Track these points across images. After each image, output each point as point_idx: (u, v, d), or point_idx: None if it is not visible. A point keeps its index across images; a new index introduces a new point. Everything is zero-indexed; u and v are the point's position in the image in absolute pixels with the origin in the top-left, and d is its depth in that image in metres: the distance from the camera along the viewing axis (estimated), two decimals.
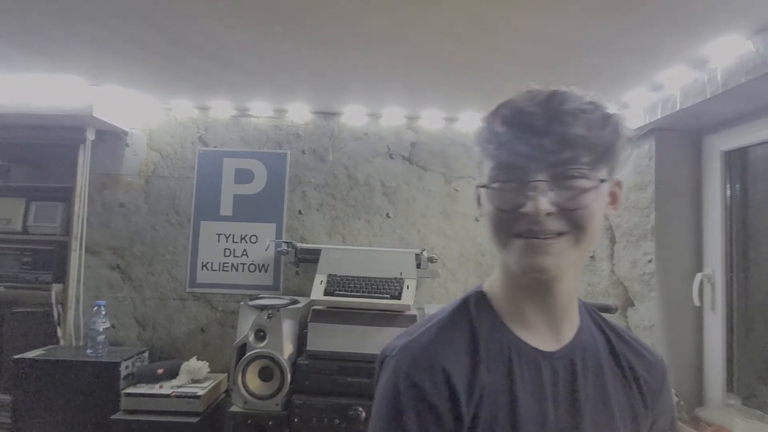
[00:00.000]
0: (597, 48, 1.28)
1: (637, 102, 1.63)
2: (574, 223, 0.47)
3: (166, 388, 1.66)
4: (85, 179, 1.99)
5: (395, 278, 1.62)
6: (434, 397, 0.47)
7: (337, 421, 1.43)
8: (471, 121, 1.99)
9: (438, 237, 1.99)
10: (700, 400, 1.61)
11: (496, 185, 0.49)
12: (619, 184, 0.53)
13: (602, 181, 0.48)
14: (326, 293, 1.55)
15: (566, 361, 0.52)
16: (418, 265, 1.74)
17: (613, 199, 0.52)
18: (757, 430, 1.30)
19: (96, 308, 1.78)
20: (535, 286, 0.52)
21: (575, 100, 0.47)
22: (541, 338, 0.52)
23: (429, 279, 1.91)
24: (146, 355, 1.87)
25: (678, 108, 1.43)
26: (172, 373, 1.75)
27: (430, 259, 1.82)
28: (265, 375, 1.52)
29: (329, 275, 1.64)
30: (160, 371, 1.73)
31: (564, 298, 0.53)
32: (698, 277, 1.59)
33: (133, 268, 1.99)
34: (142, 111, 2.02)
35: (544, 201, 0.45)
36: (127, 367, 1.70)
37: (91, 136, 1.97)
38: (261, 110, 2.00)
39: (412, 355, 0.50)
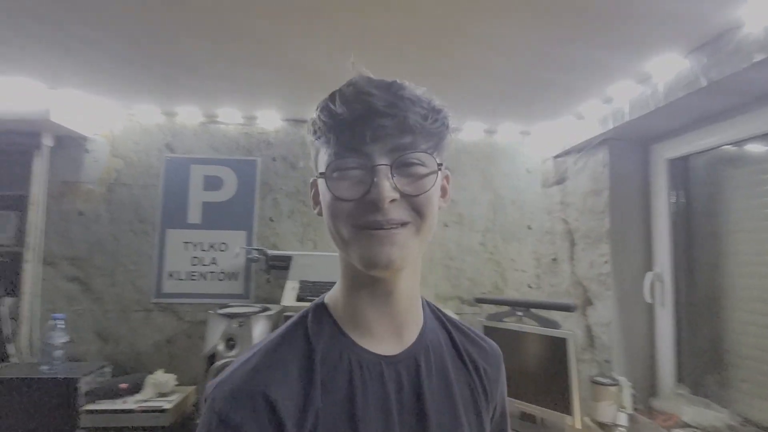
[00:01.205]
0: (551, 60, 1.37)
1: (591, 113, 1.75)
2: (417, 211, 0.45)
3: (129, 403, 1.60)
4: (41, 187, 1.89)
5: None
6: None
7: None
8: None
9: None
10: (654, 391, 1.72)
11: (335, 174, 0.45)
12: (448, 177, 0.53)
13: (439, 168, 0.47)
14: (298, 299, 1.55)
15: (410, 362, 0.50)
16: None
17: (444, 192, 0.52)
18: (703, 415, 1.40)
19: (52, 322, 1.69)
20: (376, 286, 0.49)
21: (411, 89, 0.48)
22: (384, 343, 0.50)
23: None
24: (108, 369, 1.79)
25: (627, 119, 1.55)
26: (137, 388, 1.68)
27: None
28: None
29: (301, 281, 1.64)
30: (124, 386, 1.66)
31: (406, 296, 0.51)
32: (649, 276, 1.71)
33: (94, 280, 1.91)
34: (105, 116, 1.95)
35: (388, 186, 0.43)
36: (87, 383, 1.62)
37: (48, 141, 1.89)
38: (230, 117, 1.99)
39: (228, 390, 0.43)
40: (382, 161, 0.44)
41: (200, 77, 1.58)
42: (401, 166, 0.45)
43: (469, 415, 0.52)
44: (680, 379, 1.66)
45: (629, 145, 1.79)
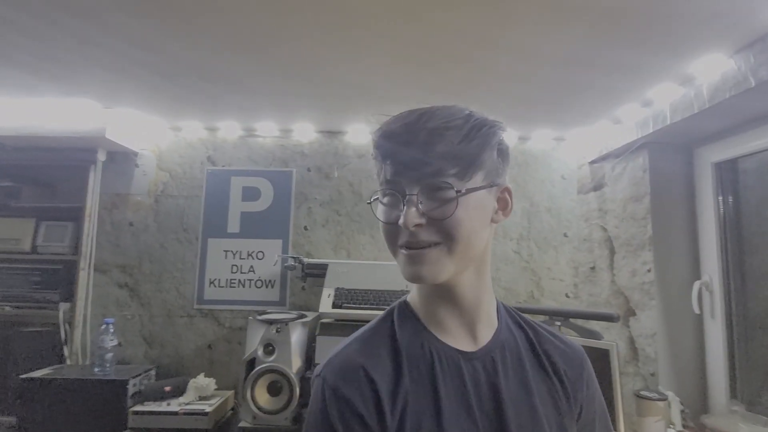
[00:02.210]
0: (588, 65, 1.35)
1: (629, 117, 1.71)
2: (445, 233, 0.49)
3: (173, 405, 1.66)
4: (95, 199, 2.03)
5: (401, 290, 1.66)
6: (361, 407, 0.48)
7: None
8: None
9: None
10: (705, 408, 1.63)
11: (379, 201, 0.53)
12: (506, 190, 0.55)
13: (471, 190, 0.50)
14: (334, 306, 1.57)
15: (486, 359, 0.54)
16: None
17: (503, 205, 0.55)
18: None
19: (104, 326, 1.79)
20: (442, 293, 0.55)
21: (442, 117, 0.50)
22: (460, 340, 0.55)
23: None
24: (153, 372, 1.87)
25: (668, 122, 1.50)
26: (180, 391, 1.75)
27: None
28: (273, 389, 1.53)
29: (337, 288, 1.67)
30: (168, 389, 1.74)
31: (474, 303, 0.55)
32: (697, 285, 1.62)
33: (141, 286, 2.01)
34: (152, 132, 2.08)
35: (413, 213, 0.48)
36: (134, 385, 1.71)
37: (102, 157, 2.03)
38: (267, 130, 2.07)
39: (336, 369, 0.51)
40: (411, 190, 0.49)
41: (239, 93, 1.66)
42: (429, 192, 0.49)
43: (549, 417, 0.53)
44: (734, 395, 1.56)
45: (671, 149, 1.73)
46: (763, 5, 1.02)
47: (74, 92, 1.68)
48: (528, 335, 0.59)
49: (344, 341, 0.56)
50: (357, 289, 1.66)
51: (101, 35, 1.25)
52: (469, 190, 0.50)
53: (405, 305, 0.58)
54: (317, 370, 0.53)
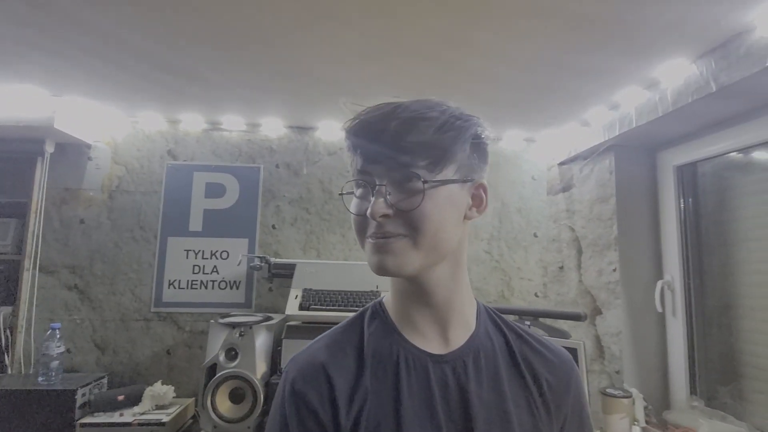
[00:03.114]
0: (556, 68, 1.36)
1: (597, 120, 1.74)
2: (411, 225, 0.48)
3: (127, 415, 1.56)
4: (42, 194, 1.88)
5: (371, 291, 1.61)
6: (316, 403, 0.48)
7: None
8: None
9: None
10: (667, 404, 1.67)
11: (350, 192, 0.53)
12: (481, 186, 0.54)
13: (440, 182, 0.49)
14: (301, 308, 1.51)
15: (457, 363, 0.52)
16: None
17: (477, 201, 0.54)
18: (720, 429, 1.35)
19: (50, 332, 1.66)
20: (414, 291, 0.54)
21: (416, 109, 0.49)
22: (431, 342, 0.53)
23: None
24: (105, 381, 1.74)
25: (634, 125, 1.53)
26: (134, 400, 1.64)
27: None
28: (236, 397, 1.45)
29: (304, 289, 1.61)
30: (121, 398, 1.62)
31: (446, 303, 0.54)
32: (659, 284, 1.67)
33: (93, 288, 1.87)
34: (107, 123, 1.95)
35: (380, 203, 0.48)
36: (83, 395, 1.58)
37: (50, 148, 1.88)
38: (233, 124, 1.98)
39: (298, 365, 0.52)
40: (381, 181, 0.49)
41: (203, 84, 1.58)
42: (396, 184, 0.49)
43: (523, 426, 0.51)
44: (693, 390, 1.62)
45: (636, 152, 1.77)
46: (725, 13, 1.05)
47: (18, 78, 1.54)
48: (508, 341, 0.56)
49: (315, 339, 0.56)
50: (326, 290, 1.60)
51: (45, 18, 1.14)
52: (438, 183, 0.49)
53: (379, 306, 0.58)
54: (287, 364, 0.55)
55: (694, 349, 1.65)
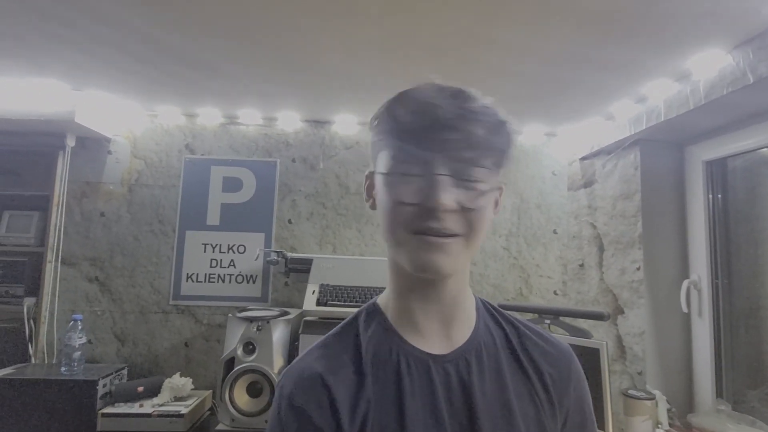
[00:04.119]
0: (580, 61, 1.32)
1: (622, 113, 1.68)
2: (470, 224, 0.46)
3: (146, 407, 1.58)
4: (63, 187, 1.91)
5: None
6: (317, 416, 0.45)
7: None
8: None
9: None
10: (691, 407, 1.63)
11: (397, 177, 0.46)
12: (501, 190, 0.53)
13: (497, 184, 0.49)
14: (318, 303, 1.51)
15: (460, 362, 0.50)
16: None
17: (495, 204, 0.52)
18: None
19: (72, 323, 1.69)
20: (423, 288, 0.50)
21: (479, 100, 0.47)
22: (434, 342, 0.51)
23: None
24: (125, 372, 1.77)
25: (662, 119, 1.47)
26: (154, 391, 1.66)
27: None
28: (253, 390, 1.46)
29: (321, 285, 1.60)
30: (140, 389, 1.64)
31: (453, 300, 0.52)
32: (685, 283, 1.62)
33: (113, 281, 1.90)
34: (126, 117, 1.96)
35: (449, 197, 0.44)
36: (104, 386, 1.61)
37: (71, 142, 1.90)
38: (250, 118, 1.98)
39: (293, 378, 0.48)
40: (445, 172, 0.45)
41: (220, 78, 1.57)
42: (462, 178, 0.46)
43: (527, 422, 0.49)
44: (720, 393, 1.57)
45: (662, 147, 1.71)
46: (763, 2, 1.00)
47: (39, 72, 1.56)
48: (507, 335, 0.55)
49: (308, 348, 0.53)
50: (342, 286, 1.59)
51: (66, 11, 1.14)
52: (496, 185, 0.49)
53: (374, 307, 0.54)
54: (280, 378, 0.51)
55: (721, 350, 1.59)
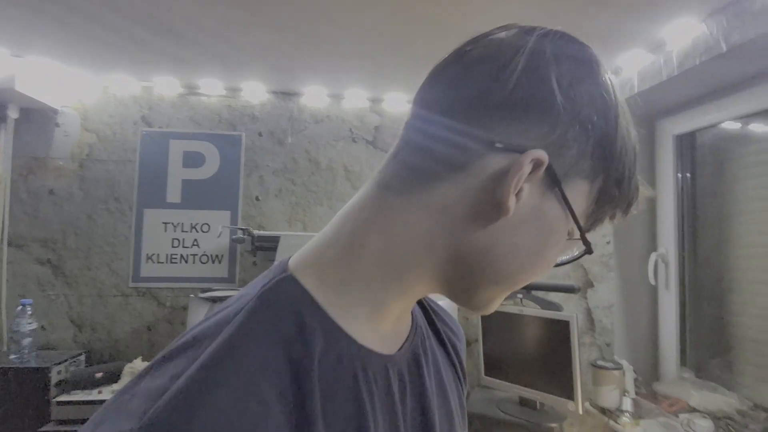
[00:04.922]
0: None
1: None
2: None
3: (106, 393, 1.50)
4: (7, 163, 1.75)
5: None
6: None
7: None
8: None
9: None
10: (657, 375, 1.67)
11: (597, 225, 0.36)
12: None
13: None
14: None
15: (410, 358, 0.37)
16: None
17: None
18: (711, 400, 1.35)
19: (20, 308, 1.57)
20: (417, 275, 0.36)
21: None
22: (385, 335, 0.35)
23: None
24: (82, 358, 1.68)
25: (636, 91, 1.46)
26: (114, 377, 1.58)
27: None
28: None
29: None
30: (99, 375, 1.56)
31: None
32: (653, 256, 1.64)
33: (67, 263, 1.78)
34: (75, 87, 1.80)
35: None
36: (59, 372, 1.52)
37: (13, 114, 1.74)
38: (212, 88, 1.85)
39: None
40: None
41: (179, 43, 1.45)
42: None
43: (455, 400, 0.42)
44: (684, 362, 1.61)
45: (634, 121, 1.70)
46: None
47: None
48: (426, 312, 0.45)
49: (177, 390, 0.25)
50: None
51: None
52: None
53: (302, 296, 0.32)
54: None
55: (686, 321, 1.64)
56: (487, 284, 0.34)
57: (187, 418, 0.24)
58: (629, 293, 1.69)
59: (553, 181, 0.31)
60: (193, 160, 1.84)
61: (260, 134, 1.89)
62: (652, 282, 1.63)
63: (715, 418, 1.29)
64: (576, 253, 0.36)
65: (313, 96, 1.90)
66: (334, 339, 0.31)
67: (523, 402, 1.55)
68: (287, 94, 1.91)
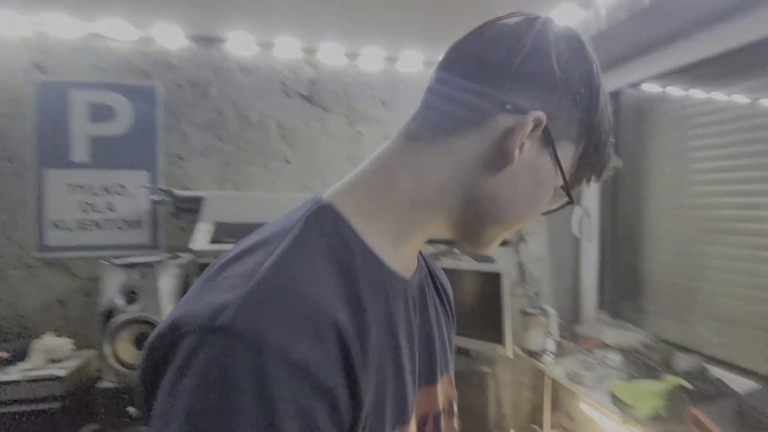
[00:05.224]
0: None
1: None
2: None
3: (13, 373, 1.35)
4: None
5: None
6: (328, 377, 0.30)
7: None
8: (374, 60, 1.86)
9: None
10: (578, 319, 1.82)
11: (577, 185, 0.44)
12: None
13: None
14: (213, 241, 1.35)
15: (418, 286, 0.44)
16: None
17: None
18: (621, 336, 1.49)
19: None
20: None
21: None
22: (403, 265, 0.41)
23: None
24: None
25: None
26: (21, 356, 1.43)
27: None
28: (142, 342, 1.31)
29: (217, 223, 1.44)
30: (3, 355, 1.40)
31: None
32: (578, 211, 1.74)
33: None
34: None
35: None
36: None
37: None
38: (119, 31, 1.62)
39: (280, 318, 0.30)
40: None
41: None
42: None
43: (446, 332, 0.50)
44: (602, 306, 1.76)
45: None
46: None
47: None
48: (423, 260, 0.51)
49: (270, 266, 0.32)
50: (244, 223, 1.44)
51: None
52: None
53: (334, 215, 0.38)
54: (204, 317, 0.29)
55: (604, 269, 1.78)
56: (491, 224, 0.41)
57: (285, 278, 0.32)
58: (556, 246, 1.79)
59: (547, 140, 0.39)
60: (100, 113, 1.62)
61: (179, 85, 1.70)
62: (577, 235, 1.74)
63: (625, 351, 1.43)
64: (561, 202, 0.43)
65: (239, 42, 1.73)
66: (367, 258, 0.38)
67: (459, 351, 1.62)
68: (209, 40, 1.72)
